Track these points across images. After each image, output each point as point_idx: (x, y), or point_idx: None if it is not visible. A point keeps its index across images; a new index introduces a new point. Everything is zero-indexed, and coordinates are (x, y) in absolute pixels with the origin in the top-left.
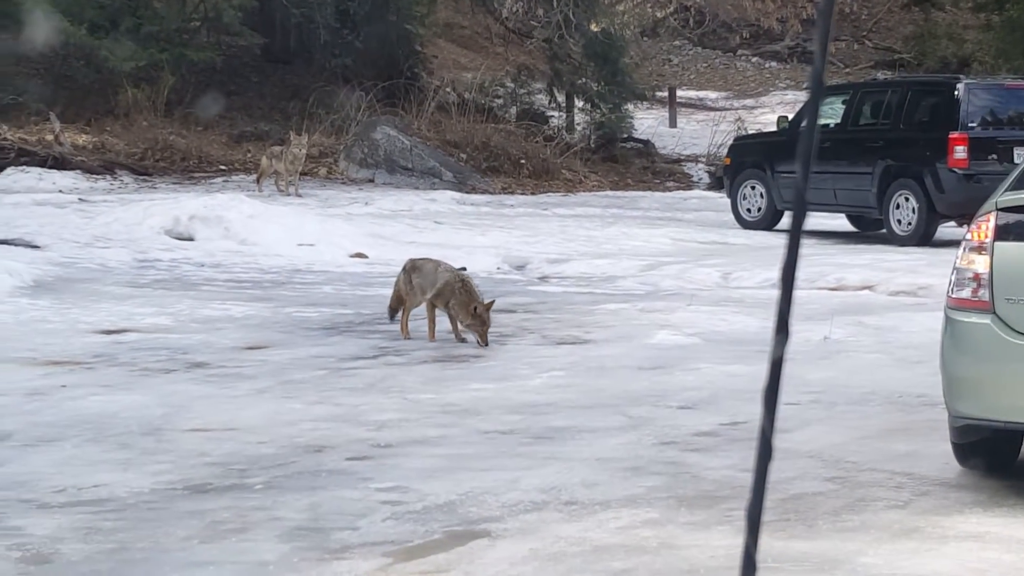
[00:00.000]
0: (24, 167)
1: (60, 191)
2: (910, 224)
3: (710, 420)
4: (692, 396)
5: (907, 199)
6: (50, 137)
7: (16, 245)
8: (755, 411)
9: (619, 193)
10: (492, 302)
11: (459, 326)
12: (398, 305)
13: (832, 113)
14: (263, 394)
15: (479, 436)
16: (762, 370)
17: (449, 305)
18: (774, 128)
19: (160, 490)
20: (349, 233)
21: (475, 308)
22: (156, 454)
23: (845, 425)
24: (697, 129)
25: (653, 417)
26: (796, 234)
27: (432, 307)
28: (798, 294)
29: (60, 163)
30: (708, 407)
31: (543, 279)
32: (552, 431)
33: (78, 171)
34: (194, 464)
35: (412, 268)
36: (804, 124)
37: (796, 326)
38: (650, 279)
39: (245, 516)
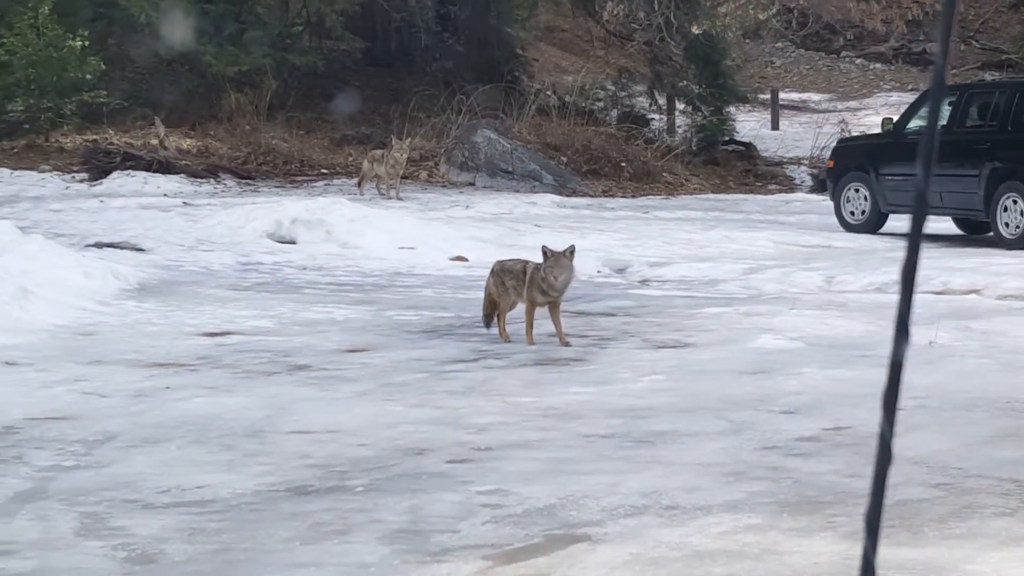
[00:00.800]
0: (130, 171)
1: (165, 195)
2: (1018, 227)
3: (813, 425)
4: (795, 401)
5: (1015, 202)
6: (155, 141)
7: (122, 248)
8: (859, 416)
9: (720, 196)
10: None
11: (561, 328)
12: (492, 310)
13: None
14: (364, 397)
15: (579, 440)
16: (866, 375)
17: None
18: (878, 130)
19: (262, 491)
20: (450, 236)
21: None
22: (258, 456)
23: (951, 431)
24: (799, 131)
25: (755, 422)
26: (916, 235)
27: (531, 308)
28: None
29: (165, 167)
30: (811, 412)
31: (644, 282)
32: (653, 435)
33: (182, 175)
34: (296, 466)
35: (501, 270)
36: (910, 125)
37: None
38: (752, 283)
39: (346, 518)
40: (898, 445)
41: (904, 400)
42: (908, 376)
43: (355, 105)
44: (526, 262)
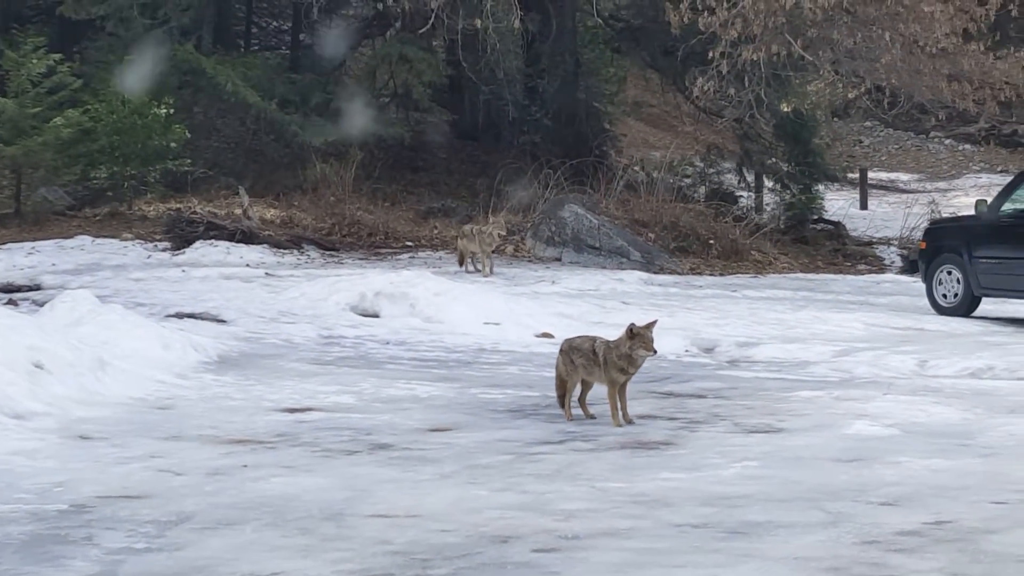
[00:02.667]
0: (213, 241)
1: (247, 265)
2: None
3: (913, 518)
4: (893, 492)
5: None
6: (239, 211)
7: (203, 319)
8: (959, 510)
9: (809, 275)
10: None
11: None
12: (563, 390)
13: None
14: (448, 479)
15: (671, 529)
16: (965, 465)
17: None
18: (970, 211)
19: None
20: (535, 312)
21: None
22: (337, 540)
23: None
24: (888, 211)
25: (853, 513)
26: None
27: (612, 389)
28: (1000, 385)
29: (248, 237)
30: (911, 504)
31: (732, 363)
32: (747, 525)
33: (265, 245)
34: (375, 552)
35: (570, 348)
36: (1004, 207)
37: (1000, 419)
38: (844, 365)
39: None
40: (1003, 542)
41: (1007, 493)
42: (1008, 467)
43: (441, 178)
44: (595, 339)
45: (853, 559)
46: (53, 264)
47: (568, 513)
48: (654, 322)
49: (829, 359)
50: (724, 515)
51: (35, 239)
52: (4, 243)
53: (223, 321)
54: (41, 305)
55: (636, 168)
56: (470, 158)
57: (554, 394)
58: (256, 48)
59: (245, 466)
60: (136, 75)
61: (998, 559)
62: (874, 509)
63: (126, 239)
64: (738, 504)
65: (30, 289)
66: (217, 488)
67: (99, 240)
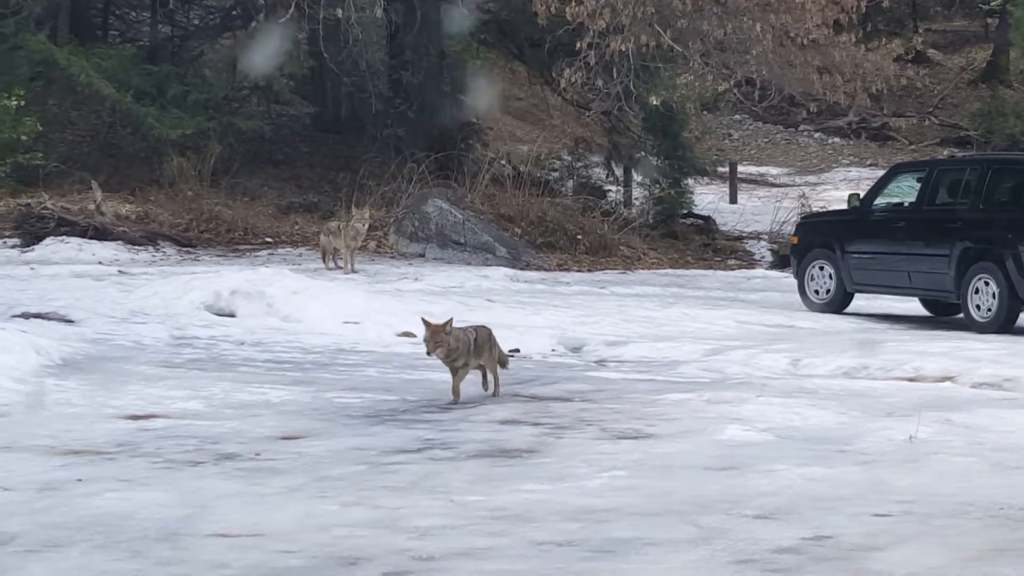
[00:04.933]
0: (64, 237)
1: (100, 262)
2: (990, 310)
3: (791, 533)
4: (769, 503)
5: (987, 283)
6: (92, 206)
7: (49, 320)
8: (840, 523)
9: (679, 271)
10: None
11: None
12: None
13: (907, 191)
14: (296, 492)
15: (532, 548)
16: (844, 474)
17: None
18: (842, 206)
19: None
20: (397, 311)
21: None
22: (170, 564)
23: (944, 543)
24: (759, 205)
25: (727, 528)
26: None
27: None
28: (875, 385)
29: (101, 233)
30: (788, 517)
31: (601, 363)
32: (614, 543)
33: (119, 242)
34: None
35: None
36: (877, 201)
37: (877, 423)
38: (715, 365)
39: None
40: (888, 559)
41: (889, 504)
42: (890, 476)
43: (303, 172)
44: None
45: None
46: None
47: (423, 530)
48: (448, 321)
49: (700, 358)
50: (590, 531)
51: None
52: None
53: (71, 321)
54: None
55: (503, 162)
56: (332, 152)
57: (415, 397)
58: (116, 39)
59: (80, 480)
60: None
61: None
62: (749, 523)
63: None
64: (605, 519)
65: None
66: (47, 505)
67: None
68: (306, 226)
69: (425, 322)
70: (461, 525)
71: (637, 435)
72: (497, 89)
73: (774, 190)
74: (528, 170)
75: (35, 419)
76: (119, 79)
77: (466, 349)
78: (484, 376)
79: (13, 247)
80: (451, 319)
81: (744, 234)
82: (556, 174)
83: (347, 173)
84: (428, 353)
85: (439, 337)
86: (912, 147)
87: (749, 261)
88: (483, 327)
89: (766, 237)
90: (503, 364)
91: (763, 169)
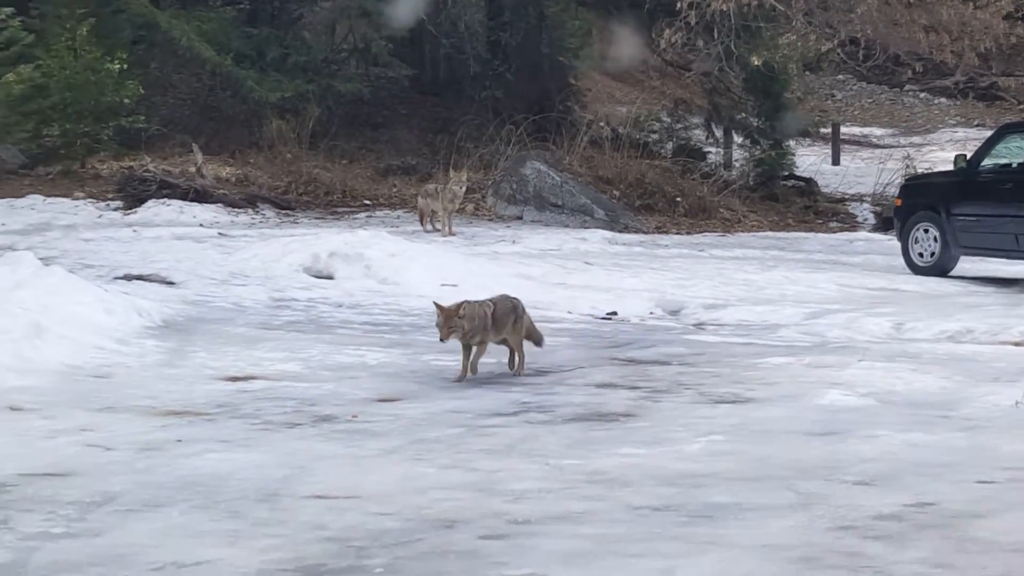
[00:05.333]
0: (166, 200)
1: (200, 225)
2: None
3: (892, 500)
4: (870, 469)
5: None
6: (193, 169)
7: (151, 281)
8: (943, 491)
9: (779, 234)
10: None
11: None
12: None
13: (1015, 152)
14: (392, 455)
15: (629, 512)
16: (947, 439)
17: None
18: (948, 167)
19: (268, 571)
20: (494, 273)
21: None
22: (268, 525)
23: None
24: (862, 167)
25: (826, 494)
26: None
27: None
28: (981, 350)
29: (201, 196)
30: (889, 484)
31: (699, 326)
32: (712, 508)
33: (219, 204)
34: (309, 539)
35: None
36: (985, 162)
37: (982, 388)
38: (815, 328)
39: None
40: (992, 527)
41: (993, 471)
42: (994, 442)
43: (401, 134)
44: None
45: (827, 547)
46: (3, 224)
47: (519, 494)
48: (460, 304)
49: (800, 322)
50: (687, 496)
51: None
52: None
53: (172, 283)
54: None
55: (601, 124)
56: (430, 114)
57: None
58: (216, 2)
59: (179, 440)
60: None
61: (988, 547)
62: (849, 489)
63: (78, 198)
64: (702, 484)
65: None
66: (147, 465)
67: (50, 199)
68: (404, 188)
69: (438, 306)
70: (557, 489)
71: (736, 399)
72: (596, 50)
73: (878, 151)
74: (627, 132)
75: (136, 380)
76: (219, 42)
77: (483, 326)
78: (511, 354)
79: (116, 209)
80: (464, 301)
81: (846, 196)
82: (655, 136)
83: (445, 135)
84: (442, 340)
85: (452, 322)
86: (1021, 107)
87: (851, 224)
88: (508, 298)
89: (869, 199)
90: (536, 341)
91: (867, 130)
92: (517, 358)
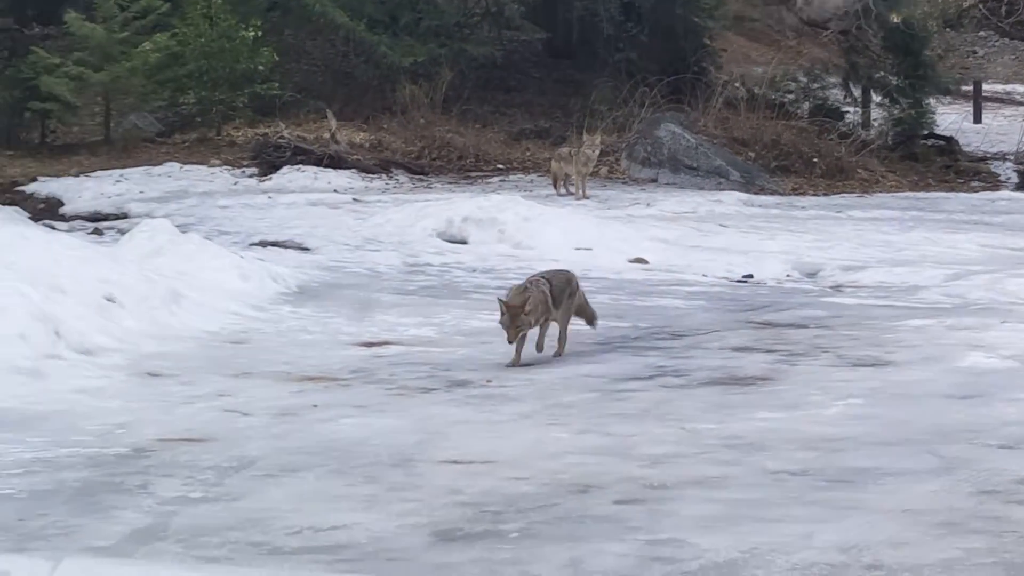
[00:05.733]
0: (300, 166)
1: (334, 190)
2: None
3: None
4: (1014, 433)
5: None
6: (327, 135)
7: (286, 248)
8: None
9: (919, 194)
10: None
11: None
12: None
13: None
14: (527, 420)
15: (766, 477)
16: None
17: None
18: None
19: (404, 535)
20: (629, 237)
21: None
22: (404, 490)
23: None
24: (1004, 125)
25: (969, 458)
26: None
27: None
28: None
29: (335, 162)
30: None
31: (837, 289)
32: (851, 473)
33: (353, 170)
34: (444, 504)
35: None
36: None
37: None
38: (956, 290)
39: (496, 571)
40: None
41: None
42: None
43: (534, 98)
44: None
45: (970, 512)
46: (141, 191)
47: (655, 458)
48: (526, 299)
49: (941, 283)
50: (825, 461)
51: (124, 166)
52: (93, 171)
53: (307, 249)
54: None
55: (736, 84)
56: (564, 77)
57: (647, 324)
58: None
59: (315, 406)
60: None
61: None
62: (992, 453)
63: (214, 165)
64: (841, 448)
65: (116, 218)
66: (284, 430)
67: (187, 166)
68: (537, 152)
69: (503, 304)
70: (693, 453)
71: (875, 362)
72: (731, 10)
73: (1021, 109)
74: (762, 92)
75: (272, 346)
76: (353, 8)
77: (544, 308)
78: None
79: (251, 176)
80: (528, 295)
81: (988, 155)
82: (791, 96)
83: (578, 98)
84: (510, 341)
85: (520, 320)
86: None
87: (994, 183)
88: (563, 272)
89: (1012, 158)
90: (589, 319)
91: (1010, 87)
92: (560, 338)
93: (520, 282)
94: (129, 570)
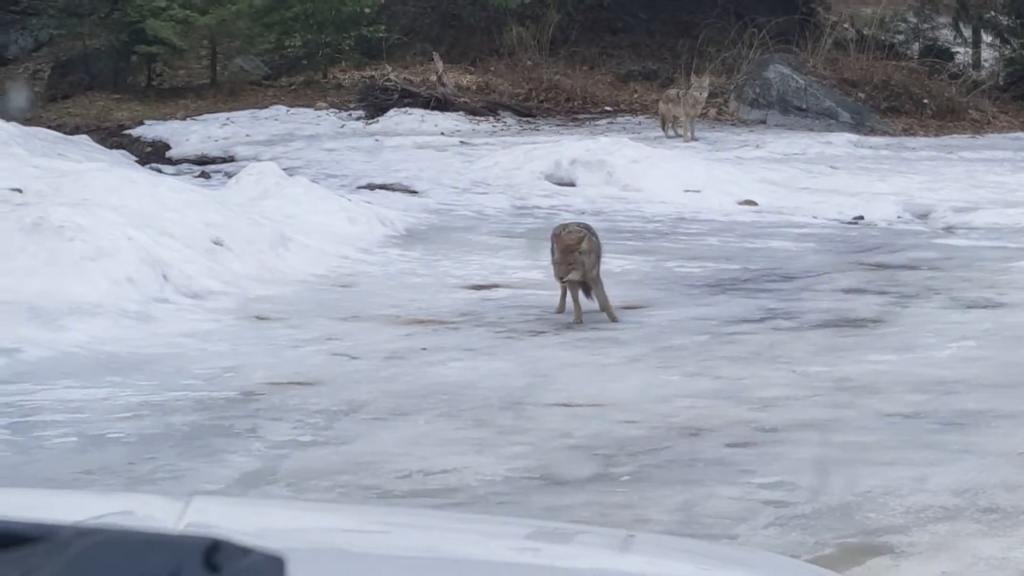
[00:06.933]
0: (407, 109)
1: (442, 133)
2: None
3: None
4: None
5: None
6: (433, 78)
7: (395, 190)
8: None
9: None
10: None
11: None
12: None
13: None
14: (636, 363)
15: (878, 420)
16: None
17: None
18: None
19: (514, 479)
20: (738, 179)
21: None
22: (514, 433)
23: None
24: None
25: None
26: None
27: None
28: None
29: (443, 104)
30: None
31: (948, 230)
32: (964, 415)
33: (460, 112)
34: (555, 447)
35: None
36: None
37: None
38: None
39: (608, 515)
40: None
41: None
42: None
43: (642, 39)
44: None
45: None
46: (247, 135)
47: (766, 401)
48: (582, 236)
49: None
50: (938, 403)
51: (230, 109)
52: (200, 114)
53: (414, 192)
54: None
55: (845, 25)
56: (671, 18)
57: (757, 266)
58: None
59: (424, 349)
60: None
61: None
62: None
63: (320, 108)
64: (954, 390)
65: (223, 161)
66: (392, 374)
67: (293, 109)
68: (645, 94)
69: (557, 238)
70: (804, 396)
71: (987, 304)
72: None
73: None
74: (872, 33)
75: (380, 289)
76: None
77: (598, 255)
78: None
79: (358, 119)
80: (584, 234)
81: None
82: (901, 36)
83: (686, 40)
84: (560, 279)
85: (572, 258)
86: None
87: None
88: (583, 225)
89: None
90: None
91: None
92: (597, 294)
93: (569, 222)
94: (268, 510)
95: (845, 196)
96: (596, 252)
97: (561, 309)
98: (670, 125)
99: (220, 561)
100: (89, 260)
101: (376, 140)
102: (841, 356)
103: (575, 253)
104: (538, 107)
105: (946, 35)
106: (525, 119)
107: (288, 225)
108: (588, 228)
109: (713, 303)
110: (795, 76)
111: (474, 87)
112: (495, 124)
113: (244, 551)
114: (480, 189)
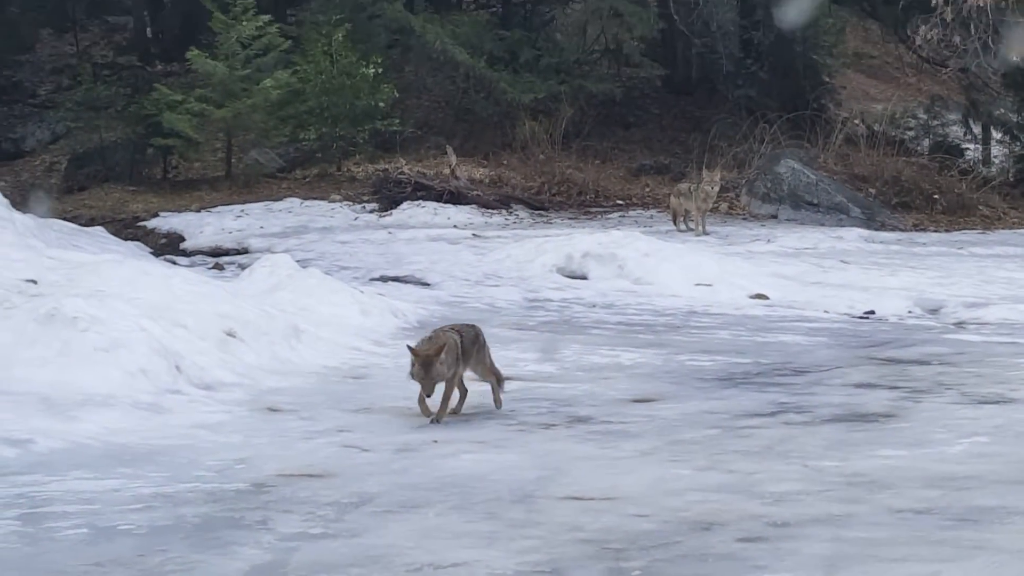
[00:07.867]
0: (420, 201)
1: (454, 226)
2: None
3: None
4: None
5: None
6: (447, 171)
7: (407, 283)
8: None
9: None
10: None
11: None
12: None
13: None
14: (648, 456)
15: (890, 516)
16: None
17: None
18: None
19: (525, 573)
20: (749, 272)
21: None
22: (525, 527)
23: None
24: None
25: None
26: None
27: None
28: None
29: (455, 197)
30: None
31: (960, 325)
32: (977, 512)
33: (473, 205)
34: (565, 540)
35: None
36: None
37: None
38: None
39: None
40: None
41: None
42: None
43: (653, 134)
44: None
45: None
46: (261, 227)
47: (777, 496)
48: (440, 346)
49: None
50: (951, 499)
51: (244, 201)
52: (215, 206)
53: (427, 284)
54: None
55: (856, 121)
56: (683, 113)
57: (768, 360)
58: (470, 6)
59: (435, 441)
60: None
61: None
62: None
63: (334, 200)
64: (967, 486)
65: (237, 253)
66: (404, 466)
67: (307, 202)
68: (657, 188)
69: (412, 351)
70: (816, 491)
71: (999, 400)
72: (850, 47)
73: None
74: (882, 129)
75: (392, 381)
76: (473, 45)
77: (454, 358)
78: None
79: (372, 211)
80: (443, 344)
81: None
82: (911, 133)
83: (698, 134)
84: (428, 395)
85: (434, 371)
86: None
87: None
88: (469, 326)
89: None
90: (498, 377)
91: None
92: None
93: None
94: None
95: (856, 291)
96: (456, 354)
97: (426, 412)
98: (682, 219)
99: None
100: (102, 351)
101: (389, 232)
102: (853, 451)
103: (434, 365)
104: (550, 200)
105: (956, 131)
106: (537, 212)
107: (301, 317)
108: (452, 331)
109: (724, 397)
110: (806, 171)
111: (487, 180)
112: (507, 217)
113: None
114: (492, 282)
